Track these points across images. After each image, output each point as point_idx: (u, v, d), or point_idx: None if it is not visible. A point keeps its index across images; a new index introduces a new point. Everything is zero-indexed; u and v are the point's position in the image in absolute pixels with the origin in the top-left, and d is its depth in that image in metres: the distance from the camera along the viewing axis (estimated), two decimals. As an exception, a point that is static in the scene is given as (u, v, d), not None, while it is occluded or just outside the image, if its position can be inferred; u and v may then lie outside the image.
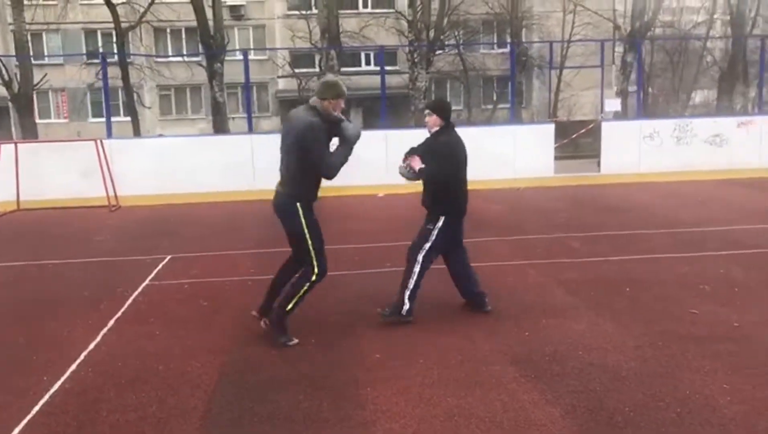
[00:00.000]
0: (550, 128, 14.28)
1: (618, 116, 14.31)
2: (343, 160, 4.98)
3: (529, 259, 7.53)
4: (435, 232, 5.45)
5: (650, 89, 31.40)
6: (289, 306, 5.06)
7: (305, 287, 5.04)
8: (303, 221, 4.95)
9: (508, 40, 31.55)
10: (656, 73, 31.68)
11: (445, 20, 20.70)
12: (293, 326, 5.19)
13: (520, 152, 13.79)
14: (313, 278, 5.02)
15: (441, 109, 5.57)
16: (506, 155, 13.72)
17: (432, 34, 19.31)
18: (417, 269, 5.44)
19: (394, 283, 6.55)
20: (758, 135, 13.93)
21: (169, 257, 8.19)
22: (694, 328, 5.10)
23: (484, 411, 3.87)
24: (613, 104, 14.72)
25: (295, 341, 5.05)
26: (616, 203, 11.53)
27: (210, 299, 6.37)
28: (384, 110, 14.79)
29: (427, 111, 5.64)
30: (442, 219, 5.47)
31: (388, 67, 32.82)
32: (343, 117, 5.03)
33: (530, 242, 8.56)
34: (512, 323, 5.37)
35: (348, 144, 4.97)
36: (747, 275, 6.57)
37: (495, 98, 32.91)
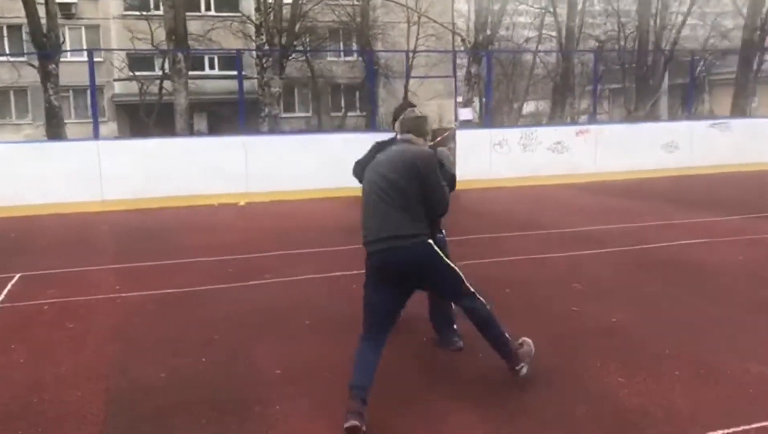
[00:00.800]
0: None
1: (470, 125, 14.90)
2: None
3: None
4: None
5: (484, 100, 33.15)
6: (504, 336, 4.18)
7: (489, 312, 4.15)
8: (443, 257, 4.11)
9: (354, 47, 32.08)
10: (493, 84, 33.47)
11: (297, 25, 20.51)
12: (170, 347, 4.86)
13: (380, 159, 13.91)
14: (480, 300, 4.16)
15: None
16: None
17: (284, 39, 19.06)
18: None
19: (280, 296, 6.40)
20: (593, 142, 15.08)
21: (18, 275, 7.39)
22: (580, 325, 5.36)
23: (400, 420, 3.81)
24: (466, 113, 15.32)
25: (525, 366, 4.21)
26: (475, 207, 12.00)
27: (76, 320, 5.80)
28: (242, 116, 14.38)
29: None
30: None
31: (233, 72, 32.29)
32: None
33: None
34: (411, 329, 5.35)
35: (445, 179, 4.46)
36: (611, 272, 7.04)
37: (344, 106, 33.17)
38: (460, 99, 40.19)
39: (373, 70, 15.88)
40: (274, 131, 18.58)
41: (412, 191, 3.97)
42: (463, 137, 14.36)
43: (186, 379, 4.47)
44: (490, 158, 14.54)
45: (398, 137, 4.45)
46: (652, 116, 19.87)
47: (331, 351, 4.89)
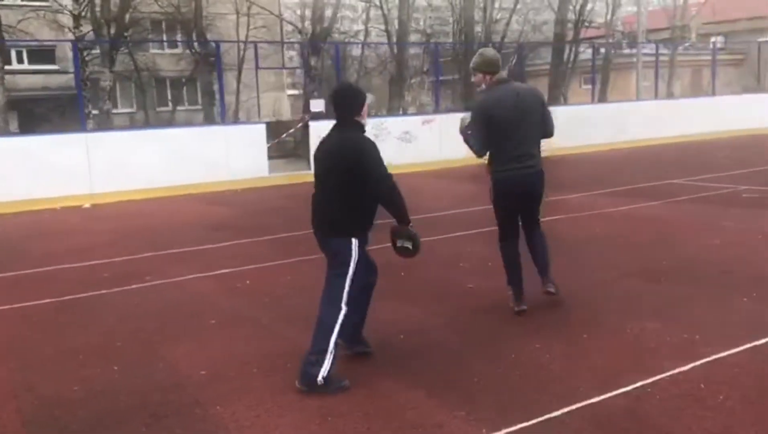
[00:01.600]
0: (261, 128, 14.35)
1: (321, 116, 14.95)
2: None
3: (295, 257, 7.51)
4: None
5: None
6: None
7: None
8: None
9: (179, 38, 30.81)
10: (325, 77, 33.65)
11: (127, 16, 19.35)
12: (73, 358, 4.52)
13: (233, 154, 13.60)
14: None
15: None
16: (219, 157, 13.42)
17: (113, 30, 17.91)
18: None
19: (171, 297, 6.13)
20: (438, 131, 15.74)
21: None
22: (480, 301, 5.66)
23: (350, 405, 3.83)
24: (318, 105, 15.36)
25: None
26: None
27: (-53, 342, 5.17)
28: (82, 111, 13.38)
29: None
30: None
31: (49, 66, 29.77)
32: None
33: (289, 240, 8.55)
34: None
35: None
36: (489, 251, 7.44)
37: (170, 100, 31.80)
38: (295, 92, 39.99)
39: (221, 61, 15.39)
40: (110, 127, 17.46)
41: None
42: (315, 129, 14.42)
43: (104, 389, 4.18)
44: (342, 148, 14.66)
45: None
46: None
47: (248, 347, 4.80)
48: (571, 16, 25.14)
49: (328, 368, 3.96)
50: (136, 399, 4.03)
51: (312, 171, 4.46)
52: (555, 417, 3.53)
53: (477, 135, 5.01)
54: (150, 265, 7.38)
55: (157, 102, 32.22)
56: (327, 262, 4.25)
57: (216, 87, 21.48)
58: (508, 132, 4.96)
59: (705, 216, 8.89)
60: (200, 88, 32.72)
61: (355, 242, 4.10)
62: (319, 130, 14.61)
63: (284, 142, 18.10)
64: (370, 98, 4.41)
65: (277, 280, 6.61)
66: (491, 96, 5.03)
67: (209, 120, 20.49)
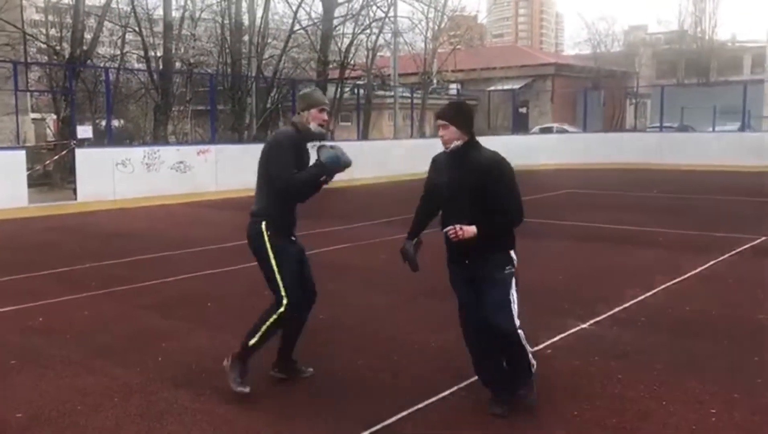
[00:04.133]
0: (21, 154, 13.16)
1: (89, 143, 14.12)
2: (307, 180, 4.30)
3: (86, 292, 7.14)
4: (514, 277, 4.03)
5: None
6: (253, 341, 4.28)
7: (272, 319, 4.25)
8: (270, 249, 4.29)
9: None
10: (79, 100, 31.52)
11: None
12: None
13: (-15, 181, 12.33)
14: (281, 309, 4.24)
15: (463, 116, 4.02)
16: (-31, 185, 12.10)
17: None
18: (523, 339, 3.97)
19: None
20: (214, 162, 15.71)
21: None
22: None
23: (203, 430, 3.90)
24: (85, 131, 14.45)
25: (246, 390, 4.25)
26: (117, 229, 11.61)
27: None
28: None
29: (441, 122, 4.03)
30: (515, 257, 4.07)
31: None
32: (323, 133, 4.47)
33: (73, 274, 8.05)
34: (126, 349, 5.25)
35: (318, 168, 4.29)
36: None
37: None
38: (37, 115, 36.73)
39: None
40: None
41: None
42: (83, 156, 13.61)
43: None
44: (113, 177, 14.02)
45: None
46: (254, 137, 21.45)
47: (63, 385, 4.60)
48: (334, 57, 26.49)
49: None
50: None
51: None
52: (391, 424, 3.94)
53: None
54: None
55: None
56: None
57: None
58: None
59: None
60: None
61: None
62: (87, 156, 13.90)
63: (34, 170, 16.68)
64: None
65: (73, 316, 6.27)
66: None
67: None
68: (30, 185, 13.38)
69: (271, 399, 4.32)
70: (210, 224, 12.43)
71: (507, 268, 3.98)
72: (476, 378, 4.49)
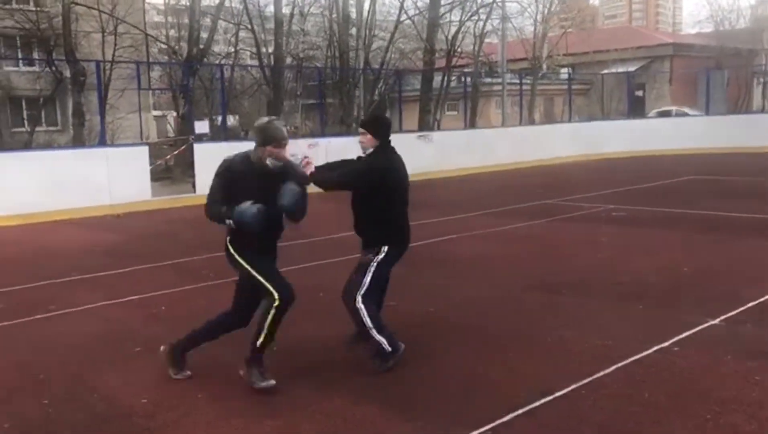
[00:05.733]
0: (143, 150, 13.90)
1: (207, 138, 14.69)
2: (215, 215, 4.41)
3: (202, 282, 7.40)
4: (374, 265, 4.72)
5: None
6: (260, 340, 4.37)
7: (271, 315, 4.31)
8: (239, 258, 4.46)
9: (36, 56, 29.04)
10: (196, 97, 32.97)
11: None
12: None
13: (113, 177, 13.06)
14: (276, 303, 4.30)
15: (377, 126, 4.91)
16: (99, 181, 12.85)
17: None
18: (365, 316, 4.61)
19: (83, 326, 5.91)
20: (324, 154, 15.90)
21: None
22: (408, 318, 5.86)
23: (309, 423, 3.91)
24: (202, 126, 15.07)
25: (272, 382, 4.33)
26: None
27: None
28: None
29: (361, 129, 4.93)
30: (384, 249, 4.75)
31: None
32: (280, 168, 4.41)
33: (192, 265, 8.39)
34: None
35: (229, 213, 4.29)
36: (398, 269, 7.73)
37: (26, 119, 29.79)
38: (158, 113, 38.76)
39: (101, 81, 14.77)
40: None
41: None
42: (201, 150, 14.17)
43: (41, 425, 3.99)
44: (229, 171, 14.48)
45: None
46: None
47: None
48: (441, 46, 26.30)
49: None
50: (79, 432, 3.88)
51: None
52: (505, 422, 3.80)
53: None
54: (49, 294, 7.00)
55: (11, 122, 30.06)
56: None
57: (85, 107, 20.57)
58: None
59: (584, 233, 9.68)
60: (60, 108, 31.01)
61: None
62: (204, 151, 14.46)
63: (156, 164, 17.58)
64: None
65: (191, 305, 6.49)
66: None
67: (79, 142, 19.44)
68: (153, 180, 14.08)
69: (382, 393, 4.27)
70: (319, 215, 12.48)
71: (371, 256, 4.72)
72: (596, 377, 4.29)
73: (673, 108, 33.19)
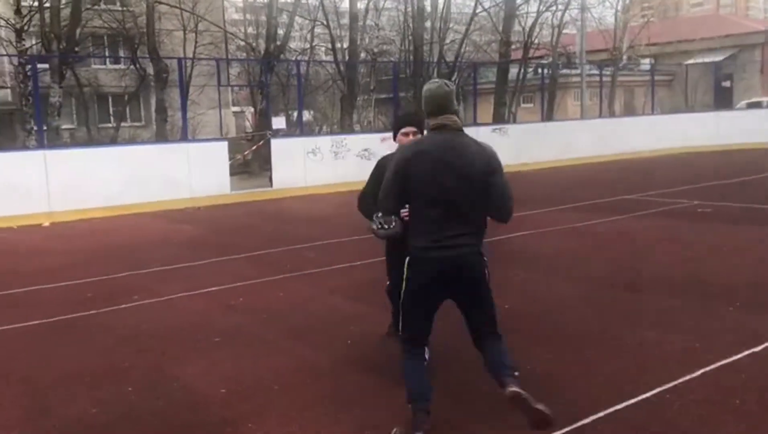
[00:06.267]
0: (223, 145, 14.25)
1: (283, 133, 14.95)
2: None
3: (280, 274, 7.50)
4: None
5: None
6: None
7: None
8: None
9: (122, 54, 30.23)
10: (273, 93, 33.59)
11: (78, 31, 18.90)
12: (81, 381, 4.43)
13: (194, 171, 13.43)
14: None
15: (422, 123, 4.28)
16: (180, 175, 13.24)
17: (64, 44, 17.45)
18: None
19: (165, 316, 6.08)
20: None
21: None
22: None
23: (384, 416, 3.87)
24: (279, 122, 15.35)
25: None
26: (308, 214, 12.20)
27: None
28: (41, 126, 12.98)
29: (412, 129, 4.38)
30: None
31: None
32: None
33: (268, 257, 8.54)
34: (356, 333, 5.38)
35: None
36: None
37: (112, 115, 31.07)
38: (237, 108, 39.65)
39: (183, 78, 15.23)
40: (61, 144, 16.98)
41: None
42: (277, 145, 14.40)
43: (124, 411, 4.11)
44: (304, 165, 14.71)
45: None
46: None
47: (260, 364, 4.79)
48: (517, 37, 25.85)
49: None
50: (160, 419, 3.98)
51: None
52: (586, 424, 3.67)
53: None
54: (133, 284, 7.25)
55: (98, 118, 31.41)
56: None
57: (168, 104, 21.25)
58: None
59: (668, 230, 9.30)
60: (144, 104, 32.18)
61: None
62: (281, 146, 14.71)
63: (234, 159, 17.99)
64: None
65: (269, 297, 6.59)
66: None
67: (161, 137, 20.10)
68: (231, 174, 14.42)
69: (457, 389, 4.20)
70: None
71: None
72: (683, 380, 4.11)
73: (764, 99, 31.55)
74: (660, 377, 4.19)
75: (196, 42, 27.63)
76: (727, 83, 35.36)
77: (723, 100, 30.95)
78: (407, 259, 3.57)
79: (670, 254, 7.79)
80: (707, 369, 4.30)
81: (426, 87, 3.64)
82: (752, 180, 14.21)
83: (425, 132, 4.01)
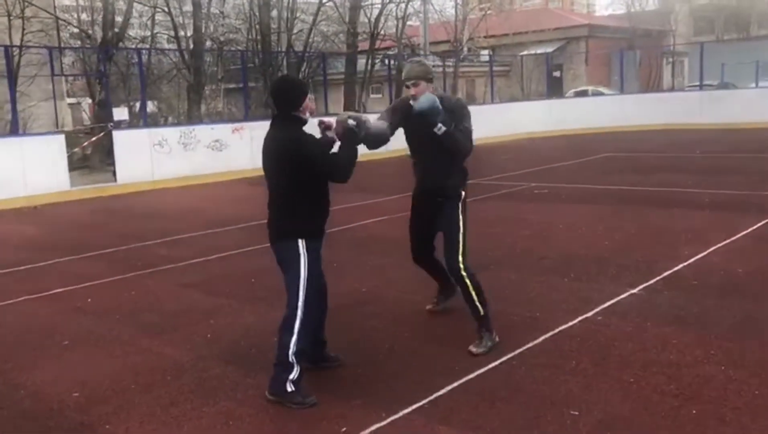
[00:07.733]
0: (59, 139, 13.35)
1: (126, 125, 14.26)
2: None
3: (131, 272, 7.23)
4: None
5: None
6: (481, 310, 4.62)
7: (473, 290, 4.63)
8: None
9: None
10: (113, 83, 31.81)
11: None
12: None
13: (28, 167, 12.52)
14: (469, 276, 4.66)
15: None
16: (13, 172, 12.30)
17: None
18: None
19: (4, 321, 5.70)
20: (249, 139, 15.69)
21: None
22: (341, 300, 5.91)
23: (249, 407, 3.91)
24: (121, 113, 14.61)
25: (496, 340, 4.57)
26: (157, 209, 11.77)
27: None
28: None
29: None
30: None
31: None
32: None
33: (117, 255, 8.18)
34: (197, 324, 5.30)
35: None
36: (341, 251, 7.74)
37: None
38: (73, 100, 37.22)
39: (11, 68, 14.04)
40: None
41: None
42: (120, 137, 13.76)
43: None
44: (151, 158, 14.15)
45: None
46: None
47: (116, 365, 4.65)
48: (363, 28, 26.22)
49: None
50: (9, 430, 3.77)
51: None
52: (443, 394, 3.91)
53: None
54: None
55: None
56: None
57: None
58: None
59: (509, 211, 9.94)
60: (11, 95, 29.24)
61: (302, 243, 3.96)
62: (124, 138, 14.05)
63: (73, 153, 16.95)
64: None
65: (120, 296, 6.35)
66: None
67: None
68: (71, 169, 13.59)
69: (322, 373, 4.30)
70: (247, 201, 12.43)
71: None
72: (526, 347, 4.46)
73: (590, 88, 34.26)
74: (506, 346, 4.53)
75: (23, 29, 25.62)
76: (557, 73, 38.01)
77: (555, 89, 33.23)
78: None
79: (511, 233, 8.34)
80: (547, 335, 4.71)
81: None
82: (582, 162, 15.43)
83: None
